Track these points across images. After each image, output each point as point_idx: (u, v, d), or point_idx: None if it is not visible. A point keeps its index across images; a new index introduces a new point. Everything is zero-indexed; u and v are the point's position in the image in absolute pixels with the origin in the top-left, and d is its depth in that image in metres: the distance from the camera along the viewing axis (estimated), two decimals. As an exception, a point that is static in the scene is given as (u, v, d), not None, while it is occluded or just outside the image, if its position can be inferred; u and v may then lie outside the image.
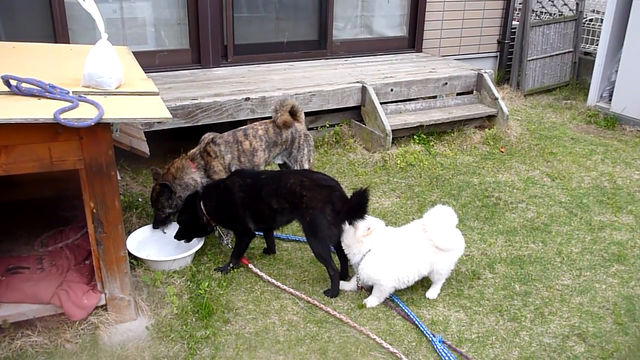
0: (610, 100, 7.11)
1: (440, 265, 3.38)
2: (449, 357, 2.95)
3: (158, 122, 4.63)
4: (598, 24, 8.41)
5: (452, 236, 3.38)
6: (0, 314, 2.89)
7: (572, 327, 3.28)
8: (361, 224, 3.28)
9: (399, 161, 5.38)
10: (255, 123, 4.12)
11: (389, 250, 3.32)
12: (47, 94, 2.64)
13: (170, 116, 2.66)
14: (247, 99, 5.08)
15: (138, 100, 2.85)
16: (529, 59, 7.79)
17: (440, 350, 2.99)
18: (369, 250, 3.31)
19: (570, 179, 5.32)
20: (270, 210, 3.49)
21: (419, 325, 3.20)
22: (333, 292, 3.46)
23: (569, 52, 8.35)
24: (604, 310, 3.43)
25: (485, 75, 6.37)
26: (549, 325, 3.30)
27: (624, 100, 6.87)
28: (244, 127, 4.07)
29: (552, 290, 3.62)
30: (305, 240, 3.57)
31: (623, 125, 6.84)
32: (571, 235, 4.31)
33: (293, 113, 4.12)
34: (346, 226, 3.33)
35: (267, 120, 4.14)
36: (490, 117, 6.29)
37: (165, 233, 3.88)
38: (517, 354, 3.06)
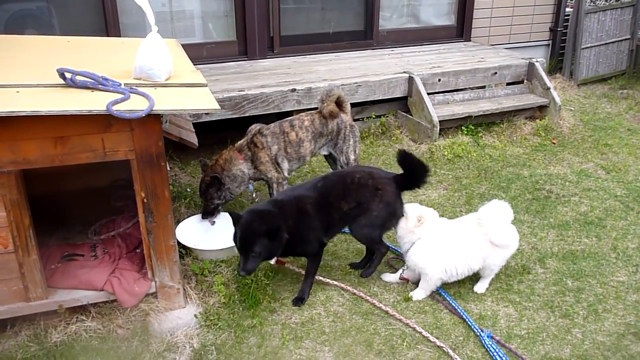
0: (671, 89, 6.80)
1: (493, 261, 3.31)
2: (497, 353, 2.89)
3: (206, 114, 4.69)
4: (658, 9, 8.02)
5: (508, 232, 3.30)
6: (56, 299, 3.00)
7: (627, 326, 3.16)
8: (412, 214, 3.26)
9: (446, 153, 5.30)
10: (301, 114, 4.13)
11: (438, 240, 3.27)
12: (100, 86, 2.71)
13: (219, 107, 2.68)
14: (293, 90, 5.09)
15: (187, 92, 2.89)
16: (583, 47, 7.51)
17: (489, 346, 2.93)
18: (419, 239, 3.28)
19: (627, 172, 5.12)
20: (340, 214, 3.31)
21: (467, 320, 3.14)
22: (371, 270, 3.52)
23: (625, 39, 8.01)
24: (662, 308, 3.30)
25: (537, 64, 6.18)
26: (603, 322, 3.19)
27: (686, 89, 6.56)
28: (290, 118, 4.08)
29: (607, 286, 3.50)
30: (349, 231, 3.56)
31: (684, 115, 6.54)
32: (627, 230, 4.14)
33: (339, 103, 4.11)
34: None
35: (313, 111, 4.14)
36: (542, 108, 6.11)
37: (213, 224, 3.93)
38: (569, 351, 2.97)
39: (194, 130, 3.94)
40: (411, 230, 3.28)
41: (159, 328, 3.06)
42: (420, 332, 3.05)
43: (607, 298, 3.39)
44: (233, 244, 3.63)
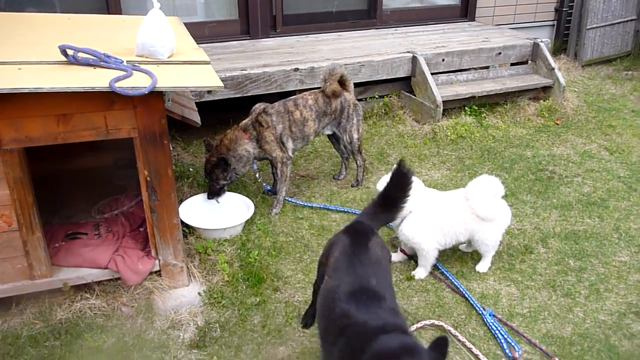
0: (676, 70, 6.75)
1: (485, 235, 3.31)
2: (499, 331, 2.90)
3: (208, 92, 4.68)
4: (665, -11, 7.93)
5: (495, 206, 3.29)
6: (60, 277, 3.01)
7: (629, 305, 3.17)
8: None
9: (449, 133, 5.27)
10: (304, 93, 4.11)
11: (428, 214, 3.27)
12: (102, 63, 2.69)
13: (222, 85, 2.67)
14: (296, 69, 5.05)
15: (190, 69, 2.87)
16: (588, 27, 7.43)
17: (491, 324, 2.95)
18: (410, 212, 3.28)
19: (630, 153, 5.10)
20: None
21: (469, 298, 3.16)
22: None
23: (631, 20, 7.92)
24: (664, 288, 3.31)
25: (542, 44, 6.13)
26: (604, 302, 3.20)
27: (691, 70, 6.51)
28: (293, 97, 4.06)
29: (609, 266, 3.51)
30: (353, 211, 3.55)
31: (689, 96, 6.50)
32: (630, 210, 4.14)
33: (342, 82, 4.08)
34: None
35: (316, 90, 4.12)
36: (546, 89, 6.06)
37: (218, 202, 3.94)
38: (570, 330, 2.98)
39: (196, 109, 3.92)
40: None
41: (163, 306, 3.08)
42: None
43: (609, 278, 3.40)
44: (237, 223, 3.67)
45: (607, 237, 3.80)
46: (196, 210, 3.86)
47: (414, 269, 3.42)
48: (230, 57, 5.36)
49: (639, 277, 3.40)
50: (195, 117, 3.65)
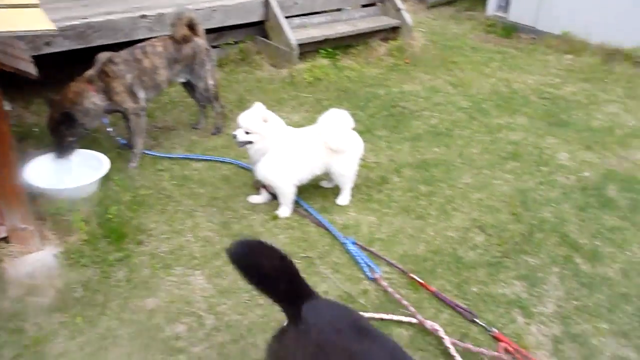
0: (508, 9, 7.33)
1: (340, 167, 3.46)
2: (360, 256, 3.09)
3: (46, 44, 4.30)
4: None
5: (346, 137, 3.43)
6: None
7: (472, 220, 3.51)
8: (255, 115, 3.27)
9: (306, 76, 5.35)
10: (152, 39, 3.92)
11: (282, 151, 3.33)
12: None
13: (55, 28, 2.46)
14: (143, 16, 4.79)
15: (15, 13, 2.61)
16: (430, -31, 7.81)
17: (352, 251, 3.13)
18: (266, 152, 3.33)
19: (470, 86, 5.53)
20: None
21: (331, 231, 3.31)
22: None
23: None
24: (500, 203, 3.69)
25: (388, -14, 6.35)
26: (451, 220, 3.51)
27: (520, 8, 7.12)
28: (141, 44, 3.86)
29: (455, 189, 3.83)
30: (214, 159, 3.54)
31: (519, 33, 7.12)
32: (471, 138, 4.53)
33: (191, 27, 3.96)
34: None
35: (165, 36, 3.95)
36: (395, 29, 6.33)
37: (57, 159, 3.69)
38: (423, 247, 3.25)
39: (32, 60, 3.58)
40: (262, 133, 3.27)
41: (15, 273, 2.88)
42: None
43: (455, 198, 3.72)
44: (89, 182, 3.48)
45: (453, 162, 4.14)
46: (45, 171, 3.59)
47: (276, 209, 3.49)
48: (68, 5, 4.93)
49: (480, 195, 3.76)
50: (31, 69, 3.32)
